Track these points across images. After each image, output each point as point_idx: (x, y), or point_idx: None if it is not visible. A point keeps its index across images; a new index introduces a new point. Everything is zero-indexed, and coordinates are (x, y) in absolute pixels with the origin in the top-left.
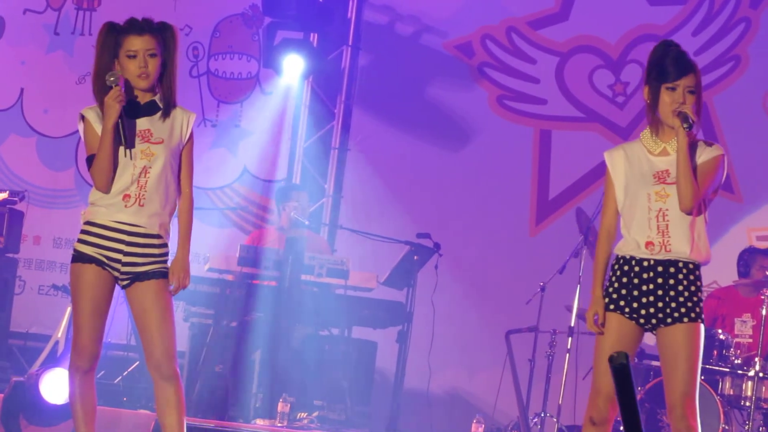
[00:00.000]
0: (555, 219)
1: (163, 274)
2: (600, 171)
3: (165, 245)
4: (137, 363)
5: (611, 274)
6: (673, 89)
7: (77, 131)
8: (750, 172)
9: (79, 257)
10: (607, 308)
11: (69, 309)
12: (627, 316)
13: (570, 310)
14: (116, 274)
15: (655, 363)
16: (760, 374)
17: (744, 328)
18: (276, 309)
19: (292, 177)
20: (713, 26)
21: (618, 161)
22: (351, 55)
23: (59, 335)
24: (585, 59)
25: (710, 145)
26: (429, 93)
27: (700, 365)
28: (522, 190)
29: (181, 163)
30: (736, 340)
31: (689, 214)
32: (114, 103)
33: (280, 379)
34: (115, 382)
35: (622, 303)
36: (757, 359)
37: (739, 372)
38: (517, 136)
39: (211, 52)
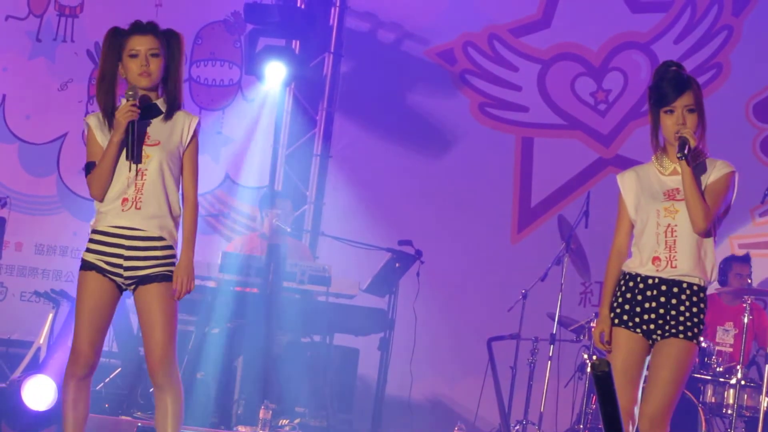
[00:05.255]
0: (537, 226)
1: (167, 278)
2: (581, 178)
3: (169, 247)
4: (119, 369)
5: (617, 290)
6: (672, 111)
7: (59, 137)
8: None
9: (83, 265)
10: (613, 323)
11: (51, 315)
12: (632, 329)
13: (552, 317)
14: (119, 280)
15: None
16: (742, 382)
17: (726, 336)
18: (258, 316)
19: (274, 184)
20: (695, 34)
21: (629, 182)
22: (333, 62)
23: (41, 342)
24: (567, 67)
25: (720, 162)
26: (411, 100)
27: (683, 383)
28: (504, 197)
29: (183, 167)
30: (718, 347)
31: (700, 234)
32: (124, 117)
33: (262, 385)
34: (97, 388)
35: (625, 317)
36: (738, 367)
37: (721, 380)
38: (499, 143)
39: (193, 59)
